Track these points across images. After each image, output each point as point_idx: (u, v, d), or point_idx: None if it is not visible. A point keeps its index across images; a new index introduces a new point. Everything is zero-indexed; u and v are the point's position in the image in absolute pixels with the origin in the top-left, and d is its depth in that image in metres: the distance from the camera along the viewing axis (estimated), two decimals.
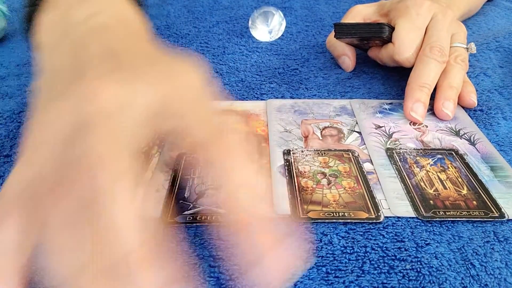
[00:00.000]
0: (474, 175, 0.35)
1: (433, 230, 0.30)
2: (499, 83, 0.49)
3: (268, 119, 0.42)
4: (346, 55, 0.51)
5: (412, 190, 0.33)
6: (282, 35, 0.60)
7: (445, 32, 0.45)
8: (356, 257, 0.28)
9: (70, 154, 0.21)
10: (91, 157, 0.21)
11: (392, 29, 0.46)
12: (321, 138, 0.40)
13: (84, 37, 0.28)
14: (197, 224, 0.30)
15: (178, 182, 0.34)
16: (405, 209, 0.32)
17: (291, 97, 0.46)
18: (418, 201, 0.32)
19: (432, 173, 0.35)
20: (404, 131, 0.40)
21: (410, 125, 0.41)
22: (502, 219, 0.31)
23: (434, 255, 0.28)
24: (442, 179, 0.34)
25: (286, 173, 0.35)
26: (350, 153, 0.37)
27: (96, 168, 0.21)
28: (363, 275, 0.27)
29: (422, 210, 0.31)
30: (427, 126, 0.41)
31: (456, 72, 0.43)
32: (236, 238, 0.22)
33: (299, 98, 0.46)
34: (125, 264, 0.19)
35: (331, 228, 0.30)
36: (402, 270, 0.27)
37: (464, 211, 0.31)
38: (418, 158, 0.37)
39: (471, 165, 0.36)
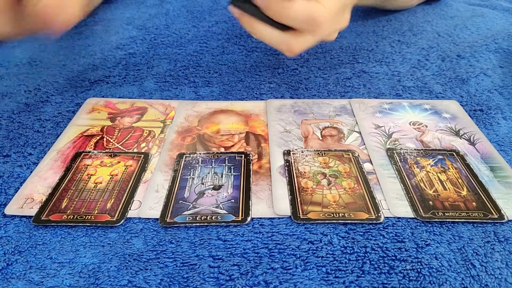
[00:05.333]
0: (475, 176, 0.35)
1: (433, 231, 0.30)
2: (499, 83, 0.49)
3: (268, 119, 0.42)
4: None
5: (412, 190, 0.33)
6: None
7: None
8: (356, 257, 0.28)
9: None
10: None
11: None
12: (321, 138, 0.39)
13: None
14: (197, 224, 0.30)
15: (177, 182, 0.34)
16: (404, 209, 0.32)
17: (291, 97, 0.46)
18: (417, 201, 0.32)
19: (432, 173, 0.35)
20: (404, 131, 0.40)
21: (410, 125, 0.41)
22: (502, 221, 0.31)
23: (434, 255, 0.28)
24: (442, 180, 0.34)
25: (286, 174, 0.35)
26: (350, 153, 0.37)
27: None
28: (363, 275, 0.27)
29: (421, 210, 0.31)
30: (426, 126, 0.41)
31: None
32: None
33: (299, 98, 0.46)
34: None
35: (331, 228, 0.30)
36: (402, 271, 0.27)
37: (464, 212, 0.31)
38: (418, 158, 0.37)
39: (472, 166, 0.36)
